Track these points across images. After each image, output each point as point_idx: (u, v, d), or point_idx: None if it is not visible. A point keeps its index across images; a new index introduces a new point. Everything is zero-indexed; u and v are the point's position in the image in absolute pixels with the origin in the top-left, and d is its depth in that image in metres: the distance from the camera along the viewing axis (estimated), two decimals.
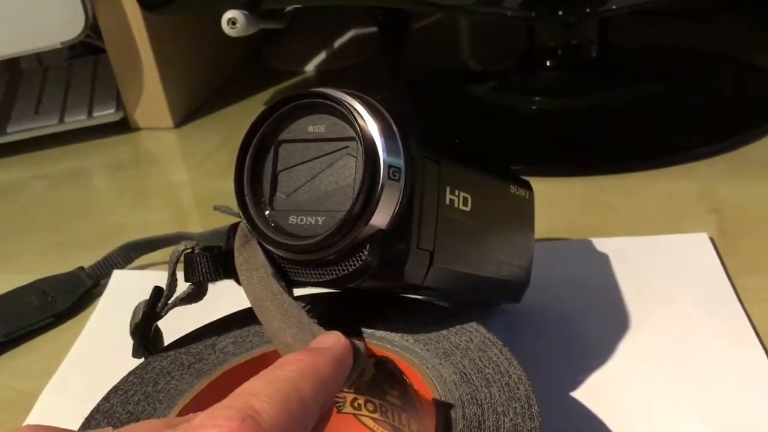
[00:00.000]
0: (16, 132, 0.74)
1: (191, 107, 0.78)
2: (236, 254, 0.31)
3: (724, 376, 0.36)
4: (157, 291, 0.32)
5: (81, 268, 0.50)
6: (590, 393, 0.36)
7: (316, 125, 0.30)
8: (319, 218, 0.29)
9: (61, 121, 0.74)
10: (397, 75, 0.81)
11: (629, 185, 0.53)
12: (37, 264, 0.55)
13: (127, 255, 0.51)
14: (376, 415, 0.33)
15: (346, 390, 0.33)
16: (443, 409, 0.28)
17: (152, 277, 0.48)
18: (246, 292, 0.30)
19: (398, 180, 0.28)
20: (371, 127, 0.28)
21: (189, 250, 0.32)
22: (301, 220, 0.30)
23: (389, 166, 0.28)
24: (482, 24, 0.89)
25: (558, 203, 0.51)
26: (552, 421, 0.28)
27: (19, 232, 0.61)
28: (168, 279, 0.32)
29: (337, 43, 0.85)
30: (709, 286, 0.41)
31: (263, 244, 0.30)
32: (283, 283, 0.30)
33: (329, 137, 0.30)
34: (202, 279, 0.32)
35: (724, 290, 0.41)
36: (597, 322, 0.40)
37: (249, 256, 0.31)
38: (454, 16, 0.90)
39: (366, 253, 0.28)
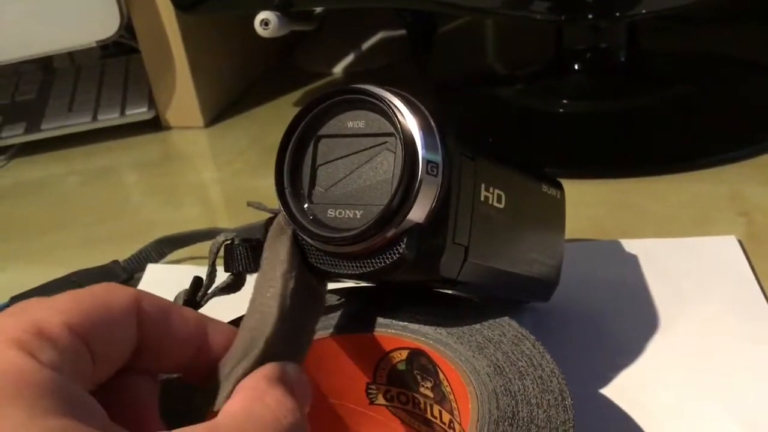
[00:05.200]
0: (50, 129, 0.76)
1: (221, 107, 0.79)
2: (265, 246, 0.32)
3: (752, 375, 0.36)
4: (197, 280, 0.33)
5: (115, 262, 0.51)
6: (619, 390, 0.36)
7: (355, 121, 0.31)
8: (357, 212, 0.30)
9: (95, 119, 0.76)
10: (424, 77, 0.81)
11: (658, 188, 0.53)
12: (72, 257, 0.56)
13: (161, 250, 0.52)
14: (409, 407, 0.34)
15: (379, 382, 0.34)
16: (477, 400, 0.28)
17: (186, 272, 0.49)
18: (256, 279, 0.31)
19: (436, 175, 0.29)
20: (410, 123, 0.29)
21: (229, 241, 0.32)
22: (340, 213, 0.30)
23: (427, 162, 0.29)
24: (510, 27, 0.89)
25: (587, 205, 0.52)
26: (581, 416, 0.28)
27: (54, 226, 0.62)
28: (208, 269, 0.32)
29: (366, 45, 0.86)
30: (738, 287, 0.42)
31: (302, 235, 0.31)
32: (294, 284, 0.30)
33: (368, 133, 0.30)
34: (241, 269, 0.32)
35: (753, 292, 0.41)
36: (626, 322, 0.40)
37: (272, 252, 0.31)
38: (482, 19, 0.91)
39: (403, 246, 0.29)
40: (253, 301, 0.29)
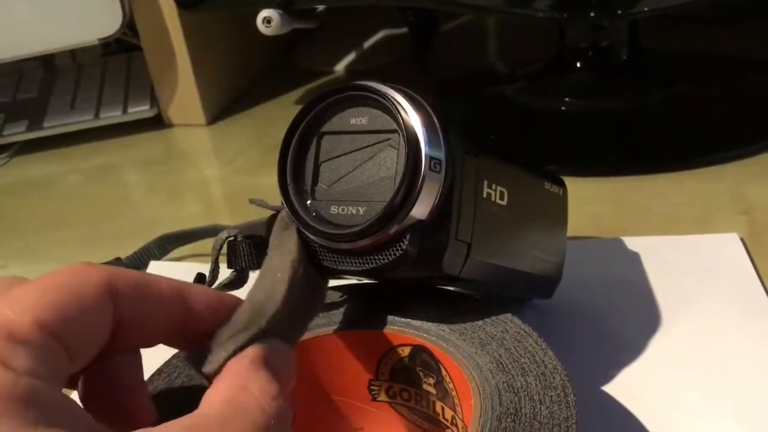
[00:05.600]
0: (52, 127, 0.76)
1: (223, 105, 0.79)
2: (271, 239, 0.32)
3: (754, 373, 0.36)
4: (200, 277, 0.33)
5: (118, 259, 0.51)
6: (621, 387, 0.36)
7: (358, 117, 0.31)
8: (360, 208, 0.30)
9: (96, 116, 0.76)
10: (426, 76, 0.81)
11: (659, 186, 0.53)
12: (74, 255, 0.56)
13: (163, 246, 0.52)
14: (411, 404, 0.34)
15: (382, 379, 0.34)
16: (479, 396, 0.28)
17: (188, 269, 0.49)
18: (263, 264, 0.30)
19: (439, 172, 0.29)
20: (413, 119, 0.29)
21: (232, 238, 0.32)
22: (343, 209, 0.30)
23: (430, 158, 0.29)
24: (511, 26, 0.90)
25: (589, 203, 0.52)
26: (584, 413, 0.28)
27: (56, 224, 0.63)
28: (211, 265, 0.33)
29: (367, 43, 0.86)
30: (740, 285, 0.42)
31: (305, 232, 0.31)
32: (302, 272, 0.30)
33: (371, 129, 0.30)
34: (244, 266, 0.32)
35: (755, 290, 0.41)
36: (628, 319, 0.40)
37: (280, 242, 0.31)
38: (484, 17, 0.91)
39: (406, 242, 0.29)
40: (260, 278, 0.29)
